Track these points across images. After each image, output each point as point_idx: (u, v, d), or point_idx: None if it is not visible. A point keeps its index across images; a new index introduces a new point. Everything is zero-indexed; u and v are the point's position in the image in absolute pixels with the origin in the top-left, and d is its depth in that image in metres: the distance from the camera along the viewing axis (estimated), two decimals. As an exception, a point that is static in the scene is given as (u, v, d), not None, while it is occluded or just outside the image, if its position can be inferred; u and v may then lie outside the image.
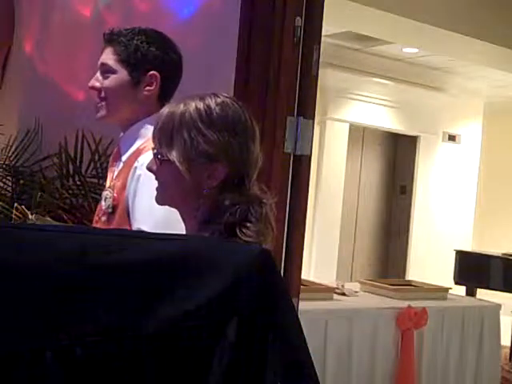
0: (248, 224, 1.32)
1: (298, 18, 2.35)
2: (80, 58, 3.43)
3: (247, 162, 1.39)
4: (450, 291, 4.53)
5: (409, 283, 4.82)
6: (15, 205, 2.94)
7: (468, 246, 7.90)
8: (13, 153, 3.60)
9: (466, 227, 8.44)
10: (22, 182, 3.48)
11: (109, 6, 3.33)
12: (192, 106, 1.37)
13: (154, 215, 1.70)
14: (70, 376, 0.95)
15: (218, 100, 1.38)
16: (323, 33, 2.46)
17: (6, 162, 3.57)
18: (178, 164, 1.35)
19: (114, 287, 0.97)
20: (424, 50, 6.67)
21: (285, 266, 2.36)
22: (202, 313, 0.97)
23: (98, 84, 1.93)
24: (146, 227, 1.71)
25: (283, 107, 2.35)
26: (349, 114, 7.53)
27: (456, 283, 6.18)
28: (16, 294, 0.96)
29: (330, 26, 5.51)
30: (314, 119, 2.41)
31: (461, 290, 5.78)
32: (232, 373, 0.96)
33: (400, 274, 7.80)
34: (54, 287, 0.96)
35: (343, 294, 4.15)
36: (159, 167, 1.40)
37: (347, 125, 7.57)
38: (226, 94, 1.41)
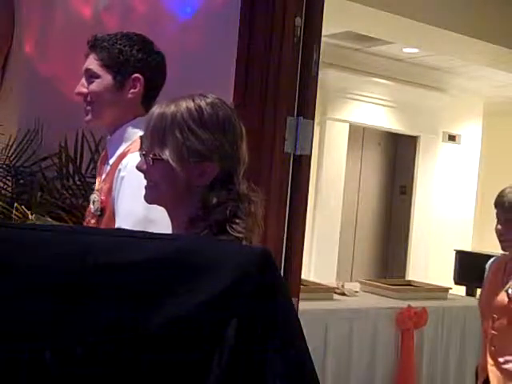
0: (237, 220, 1.36)
1: (298, 18, 2.35)
2: (80, 59, 3.43)
3: (236, 160, 1.42)
4: (450, 291, 4.53)
5: (409, 283, 4.83)
6: (15, 205, 2.95)
7: (468, 246, 7.89)
8: (13, 153, 3.60)
9: (466, 227, 8.44)
10: (22, 181, 3.48)
11: (108, 6, 3.33)
12: (183, 106, 1.40)
13: (133, 214, 1.72)
14: (69, 376, 0.95)
15: (208, 100, 1.41)
16: (323, 33, 2.46)
17: (6, 162, 3.57)
18: (171, 162, 1.38)
19: (113, 287, 0.97)
20: (424, 50, 6.66)
21: (285, 266, 2.36)
22: (202, 313, 0.97)
23: (83, 89, 1.98)
24: (126, 226, 1.72)
25: (283, 107, 2.35)
26: (349, 114, 7.53)
27: (456, 283, 6.18)
28: (16, 294, 0.96)
29: (330, 26, 5.51)
30: (313, 119, 2.41)
31: (461, 290, 5.77)
32: (231, 373, 0.96)
33: (400, 274, 7.80)
34: (54, 287, 0.96)
35: (343, 294, 4.15)
36: (150, 167, 1.42)
37: (347, 125, 7.57)
38: (213, 95, 1.44)
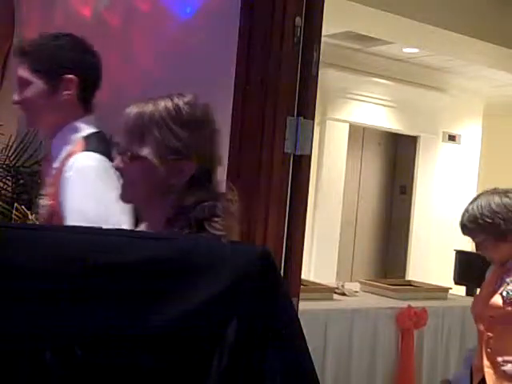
0: (216, 219, 1.37)
1: (298, 18, 2.35)
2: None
3: (213, 159, 1.45)
4: (450, 291, 4.53)
5: (409, 283, 4.83)
6: (15, 205, 2.94)
7: (468, 246, 7.89)
8: (13, 153, 3.59)
9: (466, 227, 8.43)
10: (22, 181, 3.48)
11: (109, 6, 3.33)
12: (161, 105, 1.42)
13: (84, 214, 1.71)
14: (69, 376, 0.95)
15: (186, 100, 1.43)
16: (323, 33, 2.45)
17: (6, 162, 3.56)
18: (151, 159, 1.39)
19: (113, 287, 0.97)
20: (424, 49, 6.66)
21: (285, 266, 2.36)
22: (202, 313, 0.97)
23: (16, 98, 1.96)
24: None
25: (283, 107, 2.35)
26: (349, 114, 7.53)
27: (456, 283, 6.17)
28: (16, 294, 0.96)
29: (329, 26, 5.51)
30: (314, 119, 2.41)
31: (461, 290, 5.77)
32: (231, 374, 0.96)
33: (400, 274, 7.80)
34: (54, 287, 0.96)
35: (343, 294, 4.15)
36: (127, 165, 1.43)
37: (347, 125, 7.57)
38: (191, 95, 1.45)
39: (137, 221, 1.60)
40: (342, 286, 4.25)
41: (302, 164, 2.39)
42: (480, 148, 8.63)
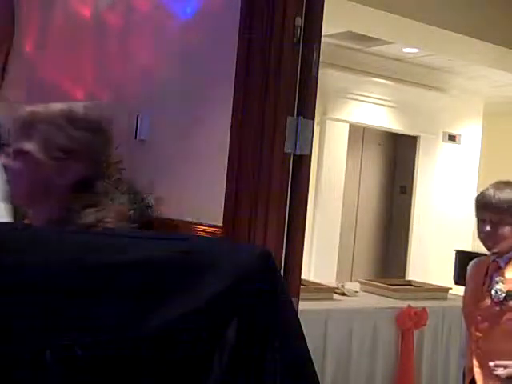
0: (108, 219, 1.36)
1: (298, 18, 2.35)
2: (80, 58, 3.44)
3: (103, 163, 1.43)
4: (450, 291, 4.53)
5: (409, 283, 4.83)
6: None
7: (468, 246, 7.89)
8: None
9: (466, 227, 8.43)
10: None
11: (109, 6, 3.33)
12: (54, 106, 1.43)
13: None
14: (70, 377, 0.95)
15: (81, 104, 1.44)
16: (323, 33, 2.45)
17: None
18: (34, 154, 1.37)
19: (113, 288, 0.97)
20: (424, 49, 6.66)
21: (285, 266, 2.36)
22: (202, 313, 0.97)
23: None
24: None
25: (283, 107, 2.35)
26: (349, 114, 7.52)
27: (456, 283, 6.17)
28: (16, 294, 0.96)
29: (329, 26, 5.50)
30: (313, 119, 2.41)
31: (461, 290, 5.76)
32: (232, 373, 0.96)
33: (400, 274, 7.79)
34: (55, 287, 0.96)
35: (343, 294, 4.15)
36: (13, 161, 1.40)
37: (347, 125, 7.56)
38: (90, 102, 1.46)
39: (23, 218, 1.55)
40: (342, 285, 4.25)
41: (301, 164, 2.39)
42: (480, 148, 8.62)
